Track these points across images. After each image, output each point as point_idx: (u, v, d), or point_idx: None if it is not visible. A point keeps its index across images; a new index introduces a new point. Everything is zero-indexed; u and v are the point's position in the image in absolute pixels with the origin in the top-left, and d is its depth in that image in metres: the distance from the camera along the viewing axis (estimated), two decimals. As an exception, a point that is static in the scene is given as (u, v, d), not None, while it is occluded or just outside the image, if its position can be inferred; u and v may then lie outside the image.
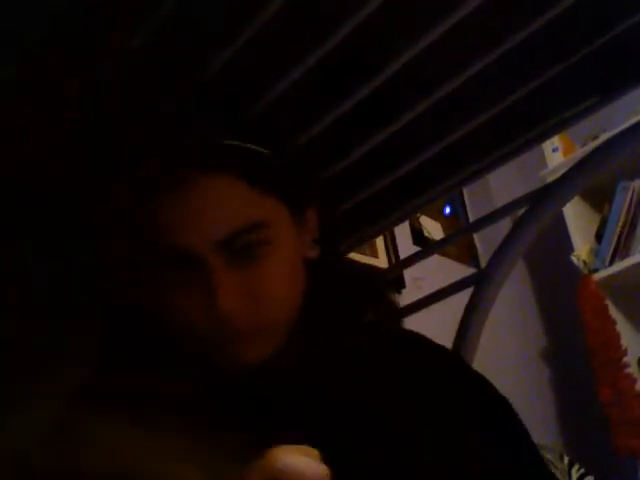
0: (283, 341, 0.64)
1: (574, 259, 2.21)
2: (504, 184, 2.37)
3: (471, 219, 2.42)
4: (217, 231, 0.61)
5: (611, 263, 2.15)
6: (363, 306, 0.76)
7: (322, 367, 0.65)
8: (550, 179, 1.11)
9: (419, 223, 2.23)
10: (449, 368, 0.70)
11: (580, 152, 2.15)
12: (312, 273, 0.68)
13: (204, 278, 0.61)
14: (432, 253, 1.22)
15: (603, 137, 1.95)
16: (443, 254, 2.20)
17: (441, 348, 0.71)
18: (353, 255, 1.77)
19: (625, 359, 2.03)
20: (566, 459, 1.65)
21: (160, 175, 0.62)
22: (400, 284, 1.99)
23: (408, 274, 1.99)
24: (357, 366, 0.65)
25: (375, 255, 1.96)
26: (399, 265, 1.83)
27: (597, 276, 2.13)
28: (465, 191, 2.45)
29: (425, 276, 1.96)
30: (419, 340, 0.72)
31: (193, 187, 0.61)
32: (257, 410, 0.61)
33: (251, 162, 0.65)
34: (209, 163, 0.62)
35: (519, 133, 0.90)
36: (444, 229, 2.33)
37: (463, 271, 2.09)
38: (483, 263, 1.03)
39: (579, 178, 0.92)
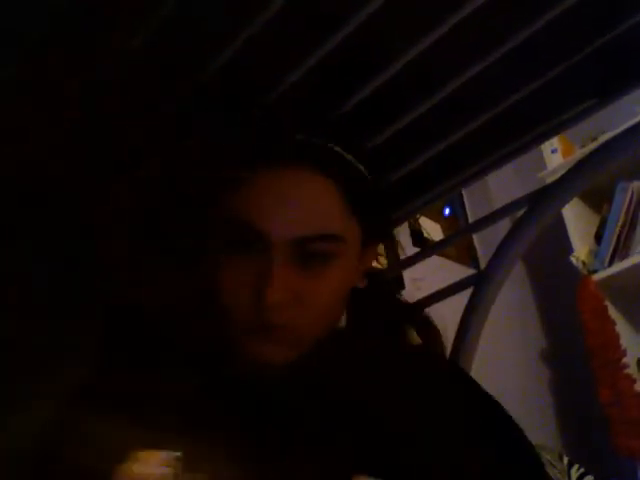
0: (301, 353, 0.64)
1: (573, 260, 2.21)
2: (503, 185, 2.36)
3: (470, 220, 2.42)
4: (297, 227, 0.61)
5: (610, 264, 2.15)
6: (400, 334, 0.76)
7: (331, 370, 0.65)
8: (549, 180, 1.11)
9: (418, 224, 2.23)
10: (448, 370, 0.70)
11: (579, 153, 2.15)
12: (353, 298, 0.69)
13: (263, 267, 0.60)
14: (431, 254, 1.23)
15: (602, 138, 1.95)
16: (442, 255, 2.20)
17: (438, 354, 0.72)
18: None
19: (624, 360, 2.03)
20: (565, 459, 1.65)
21: (259, 157, 0.62)
22: (399, 285, 1.99)
23: (407, 275, 1.98)
24: (365, 370, 0.66)
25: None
26: (398, 266, 1.83)
27: (596, 277, 2.13)
28: (464, 192, 2.45)
29: (424, 277, 1.95)
30: (418, 348, 0.72)
31: (292, 177, 0.62)
32: (263, 411, 0.61)
33: (354, 178, 0.65)
34: (315, 160, 0.62)
35: (518, 134, 0.90)
36: (443, 230, 2.33)
37: (462, 272, 2.09)
38: (482, 264, 1.03)
39: (578, 179, 0.92)
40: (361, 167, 0.66)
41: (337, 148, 0.64)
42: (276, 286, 0.59)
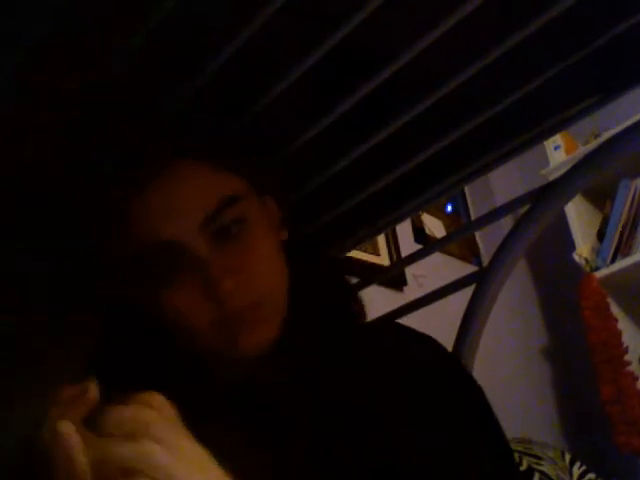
0: (279, 332, 0.65)
1: (576, 257, 2.21)
2: (506, 182, 2.37)
3: (473, 217, 2.42)
4: (195, 215, 0.62)
5: (613, 261, 2.14)
6: (342, 299, 0.77)
7: (314, 361, 0.65)
8: (552, 177, 1.11)
9: (421, 221, 2.23)
10: (441, 360, 0.70)
11: (582, 150, 2.15)
12: (290, 261, 0.70)
13: (197, 268, 0.62)
14: (434, 251, 1.22)
15: (605, 135, 1.95)
16: (445, 252, 2.20)
17: (428, 338, 0.72)
18: (355, 253, 1.77)
19: (626, 357, 2.03)
20: (567, 457, 1.65)
21: (129, 171, 0.64)
22: (402, 282, 1.99)
23: (410, 272, 1.98)
24: (350, 360, 0.66)
25: (377, 253, 1.96)
26: (401, 263, 1.83)
27: (599, 274, 2.13)
28: (467, 189, 2.45)
29: (427, 274, 1.96)
30: (408, 332, 0.72)
31: (161, 180, 0.63)
32: (251, 407, 0.61)
33: (209, 145, 0.67)
34: (170, 151, 0.64)
35: (521, 131, 0.90)
36: (446, 227, 2.33)
37: (465, 269, 2.09)
38: (485, 261, 1.03)
39: (581, 176, 0.92)
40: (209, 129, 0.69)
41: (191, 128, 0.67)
42: (217, 273, 0.61)
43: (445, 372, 0.67)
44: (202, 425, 0.48)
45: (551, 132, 0.92)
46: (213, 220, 0.63)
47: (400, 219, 1.08)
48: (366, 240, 1.17)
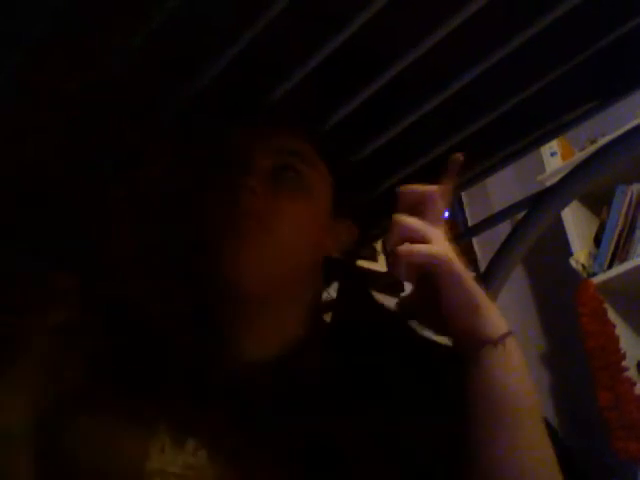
0: (289, 339, 0.63)
1: (573, 263, 2.21)
2: (502, 188, 2.36)
3: (470, 223, 2.42)
4: (272, 142, 0.67)
5: (610, 267, 2.15)
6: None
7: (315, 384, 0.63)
8: (549, 183, 1.11)
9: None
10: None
11: (578, 156, 2.15)
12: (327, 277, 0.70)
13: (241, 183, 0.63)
14: (431, 256, 1.22)
15: (602, 141, 1.95)
16: (442, 258, 2.19)
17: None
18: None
19: (624, 363, 2.03)
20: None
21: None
22: (399, 288, 1.98)
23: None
24: (358, 369, 0.64)
25: (374, 259, 1.96)
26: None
27: (596, 280, 2.13)
28: (464, 195, 2.45)
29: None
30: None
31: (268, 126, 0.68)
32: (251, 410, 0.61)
33: (324, 138, 0.73)
34: (291, 120, 0.70)
35: (518, 137, 0.90)
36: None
37: (462, 275, 2.08)
38: (482, 267, 1.03)
39: (577, 182, 0.92)
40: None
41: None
42: (251, 174, 0.63)
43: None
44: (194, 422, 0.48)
45: (548, 137, 0.93)
46: (280, 155, 0.66)
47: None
48: (365, 245, 1.17)
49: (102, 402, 0.56)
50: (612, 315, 2.11)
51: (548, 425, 0.64)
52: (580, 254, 2.22)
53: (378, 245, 1.98)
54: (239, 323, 0.63)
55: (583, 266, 2.18)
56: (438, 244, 0.58)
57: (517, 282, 2.52)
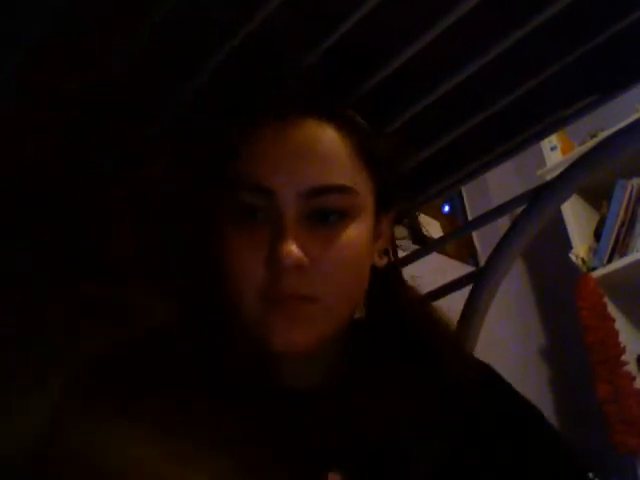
0: (320, 342, 0.59)
1: (573, 257, 2.22)
2: (502, 182, 2.36)
3: (470, 217, 2.42)
4: (306, 179, 0.57)
5: (609, 261, 2.15)
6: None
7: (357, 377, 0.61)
8: (548, 177, 1.11)
9: (418, 221, 2.23)
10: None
11: (578, 150, 2.15)
12: (374, 287, 0.64)
13: (275, 228, 0.56)
14: (431, 251, 1.22)
15: (602, 135, 1.95)
16: (442, 252, 2.20)
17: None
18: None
19: (623, 357, 2.03)
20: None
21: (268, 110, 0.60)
22: (399, 282, 1.98)
23: (406, 272, 1.98)
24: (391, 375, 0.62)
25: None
26: (397, 263, 1.82)
27: (595, 274, 2.14)
28: (463, 189, 2.45)
29: (424, 274, 1.95)
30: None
31: (298, 129, 0.59)
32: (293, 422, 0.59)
33: (363, 130, 0.62)
34: (323, 112, 0.60)
35: (518, 131, 0.90)
36: (443, 227, 2.33)
37: (462, 269, 2.09)
38: (482, 261, 1.03)
39: (577, 176, 0.92)
40: (370, 129, 0.63)
41: (349, 111, 0.62)
42: (290, 240, 0.55)
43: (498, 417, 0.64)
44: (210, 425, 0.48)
45: (548, 132, 0.93)
46: (317, 196, 0.57)
47: (398, 218, 1.08)
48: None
49: (108, 402, 0.56)
50: (612, 309, 2.12)
51: (550, 427, 0.64)
52: (580, 248, 2.22)
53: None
54: (281, 366, 0.62)
55: (583, 260, 2.18)
56: None
57: (517, 277, 2.52)
